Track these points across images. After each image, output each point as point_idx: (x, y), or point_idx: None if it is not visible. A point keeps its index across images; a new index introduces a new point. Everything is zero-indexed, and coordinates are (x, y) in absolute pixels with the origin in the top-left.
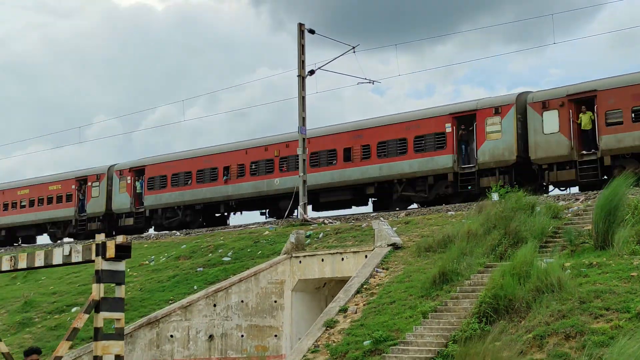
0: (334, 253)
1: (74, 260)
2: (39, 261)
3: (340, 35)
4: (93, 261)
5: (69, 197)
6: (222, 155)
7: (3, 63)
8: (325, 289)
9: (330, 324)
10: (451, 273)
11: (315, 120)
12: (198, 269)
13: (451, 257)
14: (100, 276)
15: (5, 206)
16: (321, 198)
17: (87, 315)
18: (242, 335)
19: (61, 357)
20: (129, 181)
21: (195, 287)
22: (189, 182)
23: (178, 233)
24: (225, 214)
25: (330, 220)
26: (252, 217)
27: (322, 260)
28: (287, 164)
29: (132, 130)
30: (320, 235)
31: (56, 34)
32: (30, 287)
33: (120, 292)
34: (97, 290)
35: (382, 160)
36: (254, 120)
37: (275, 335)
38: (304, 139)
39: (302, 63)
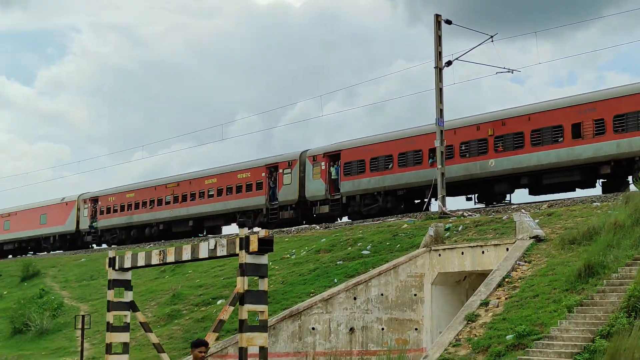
0: (474, 246)
1: (219, 254)
2: (186, 255)
3: (477, 25)
4: (237, 255)
5: (259, 185)
6: (427, 137)
7: (148, 63)
8: (465, 282)
9: (471, 318)
10: (597, 266)
11: (452, 112)
12: (338, 262)
13: (597, 250)
14: (244, 269)
15: (193, 196)
16: (545, 180)
17: (232, 308)
18: (383, 329)
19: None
20: (323, 167)
21: (335, 280)
22: (390, 166)
23: (318, 227)
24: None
25: (470, 213)
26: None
27: (462, 253)
28: (503, 143)
29: (272, 127)
30: (460, 228)
31: (198, 34)
32: (178, 280)
33: (263, 285)
34: (242, 283)
35: (620, 135)
36: (390, 113)
37: (416, 329)
38: (441, 131)
39: (439, 54)
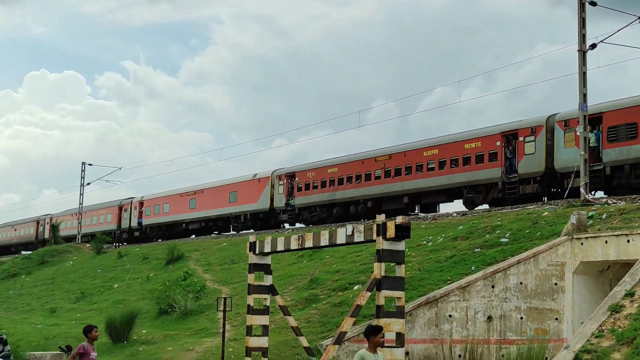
0: (618, 235)
1: (356, 239)
2: (324, 240)
3: (624, 6)
4: (374, 241)
5: (492, 156)
6: None
7: (288, 53)
8: (609, 272)
9: (615, 309)
10: None
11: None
12: (475, 250)
13: None
14: (381, 255)
15: (409, 170)
16: None
17: (369, 293)
18: (522, 318)
19: (345, 332)
20: (578, 133)
21: (473, 268)
22: None
23: (454, 214)
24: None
25: (614, 201)
26: None
27: (606, 242)
28: None
29: (409, 113)
30: (604, 216)
31: (335, 23)
32: (315, 265)
33: (400, 271)
34: (379, 269)
35: None
36: (531, 98)
37: (556, 319)
38: (585, 117)
39: (582, 37)
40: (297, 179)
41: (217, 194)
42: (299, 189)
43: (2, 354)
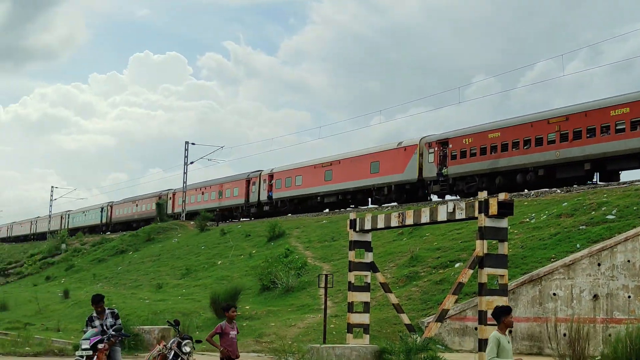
0: None
1: (457, 217)
2: (425, 218)
3: None
4: (476, 218)
5: None
6: None
7: (386, 30)
8: None
9: None
10: None
11: None
12: (580, 227)
13: None
14: (484, 232)
15: (591, 132)
16: None
17: (471, 271)
18: (629, 297)
19: (447, 310)
20: None
21: (578, 246)
22: None
23: (558, 190)
24: None
25: None
26: None
27: None
28: None
29: (510, 88)
30: None
31: None
32: (415, 243)
33: (503, 248)
34: (481, 247)
35: None
36: (638, 71)
37: None
38: None
39: None
40: (450, 146)
41: (356, 164)
42: (453, 157)
43: (114, 327)
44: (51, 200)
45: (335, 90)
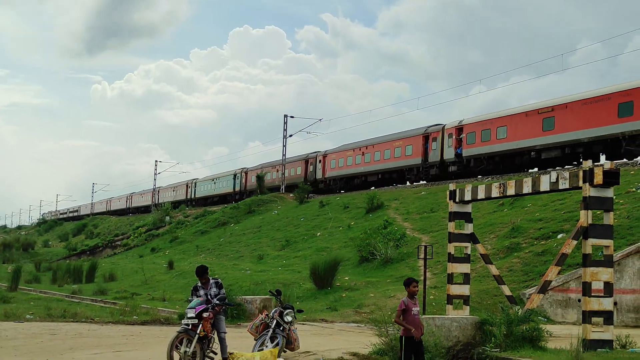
0: None
1: (560, 187)
2: (527, 188)
3: None
4: (580, 188)
5: None
6: None
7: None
8: None
9: None
10: None
11: None
12: None
13: None
14: (588, 202)
15: None
16: None
17: (575, 242)
18: None
19: (550, 281)
20: None
21: None
22: None
23: None
24: None
25: None
26: None
27: None
28: None
29: (617, 54)
30: None
31: None
32: (516, 214)
33: (608, 218)
34: (585, 217)
35: None
36: None
37: None
38: None
39: None
40: None
41: (594, 108)
42: None
43: (218, 296)
44: (155, 174)
45: (434, 60)
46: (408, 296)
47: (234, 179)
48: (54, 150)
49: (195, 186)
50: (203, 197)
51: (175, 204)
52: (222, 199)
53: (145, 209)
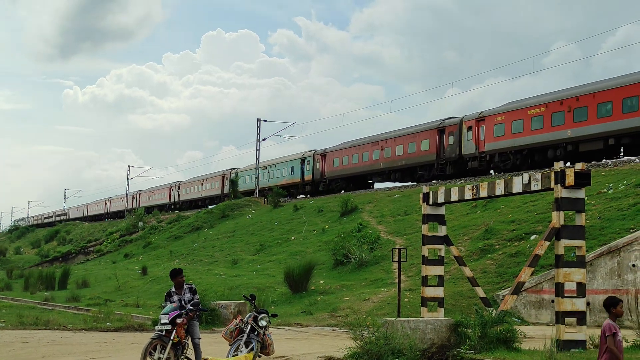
0: None
1: (532, 188)
2: (499, 190)
3: None
4: (552, 189)
5: None
6: None
7: None
8: None
9: None
10: None
11: None
12: None
13: None
14: (560, 203)
15: None
16: None
17: (547, 242)
18: None
19: (524, 282)
20: None
21: None
22: None
23: (637, 160)
24: None
25: None
26: None
27: None
28: None
29: (591, 55)
30: None
31: None
32: (490, 216)
33: (580, 219)
34: (557, 218)
35: None
36: None
37: None
38: None
39: None
40: None
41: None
42: None
43: (192, 302)
44: (128, 179)
45: (408, 62)
46: (611, 318)
47: (302, 164)
48: (25, 155)
49: (237, 176)
50: (246, 190)
51: (206, 201)
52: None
53: (161, 207)
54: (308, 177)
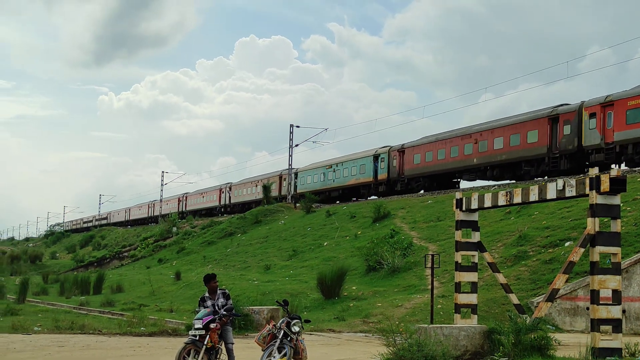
0: None
1: (567, 194)
2: (533, 196)
3: None
4: (586, 195)
5: None
6: None
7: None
8: None
9: None
10: None
11: None
12: None
13: None
14: (595, 210)
15: None
16: None
17: (582, 249)
18: None
19: (558, 289)
20: None
21: None
22: None
23: None
24: None
25: None
26: None
27: None
28: None
29: (627, 59)
30: None
31: None
32: (523, 222)
33: (615, 226)
34: (592, 224)
35: None
36: None
37: None
38: None
39: None
40: None
41: None
42: None
43: (225, 307)
44: (162, 184)
45: (441, 67)
46: None
47: (376, 161)
48: (61, 161)
49: (297, 177)
50: (309, 191)
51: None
52: (351, 191)
53: (210, 211)
54: (382, 176)
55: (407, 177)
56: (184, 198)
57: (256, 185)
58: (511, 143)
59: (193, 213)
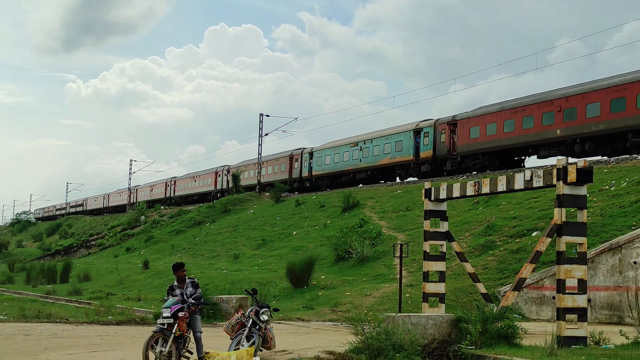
0: None
1: (534, 185)
2: (501, 186)
3: None
4: (554, 186)
5: None
6: None
7: None
8: None
9: None
10: None
11: None
12: None
13: None
14: (562, 200)
15: None
16: None
17: (549, 239)
18: None
19: (525, 279)
20: None
21: None
22: None
23: (639, 157)
24: None
25: None
26: None
27: None
28: None
29: (595, 52)
30: None
31: None
32: (491, 212)
33: (582, 216)
34: (559, 215)
35: None
36: None
37: None
38: None
39: None
40: None
41: None
42: None
43: (194, 296)
44: (130, 173)
45: (411, 58)
46: None
47: (417, 137)
48: (28, 149)
49: (311, 157)
50: (326, 174)
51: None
52: (382, 172)
53: (200, 198)
54: (426, 153)
55: (460, 154)
56: (172, 182)
57: (268, 168)
58: (611, 109)
59: (183, 199)
